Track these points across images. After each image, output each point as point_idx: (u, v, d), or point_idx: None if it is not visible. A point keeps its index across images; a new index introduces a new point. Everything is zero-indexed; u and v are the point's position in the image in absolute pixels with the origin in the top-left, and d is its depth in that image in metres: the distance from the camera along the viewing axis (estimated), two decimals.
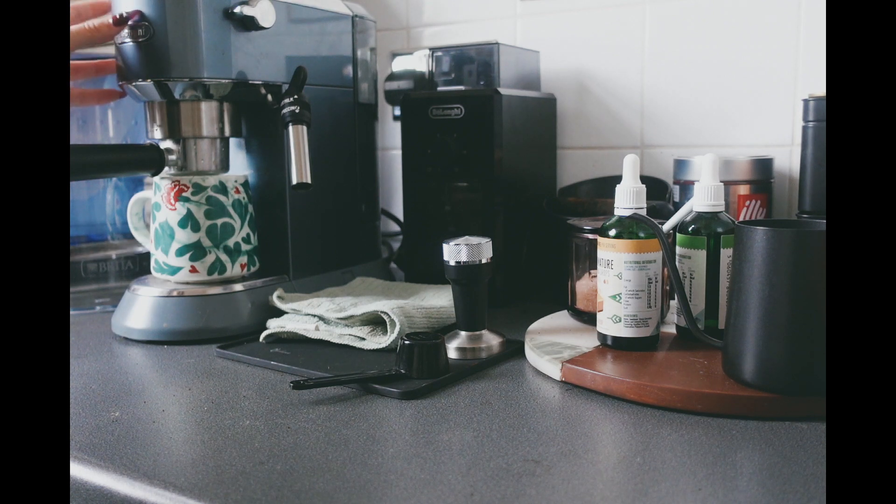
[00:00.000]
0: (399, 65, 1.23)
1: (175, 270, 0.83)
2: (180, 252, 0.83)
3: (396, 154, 1.24)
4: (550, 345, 0.70)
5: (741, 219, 0.87)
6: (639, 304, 0.66)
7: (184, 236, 0.83)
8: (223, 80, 0.80)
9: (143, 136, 0.85)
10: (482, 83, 0.97)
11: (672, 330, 0.72)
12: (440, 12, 1.20)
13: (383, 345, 0.73)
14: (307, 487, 0.46)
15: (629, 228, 0.66)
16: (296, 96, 0.82)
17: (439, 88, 1.00)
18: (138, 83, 0.79)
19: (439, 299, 0.84)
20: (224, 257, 0.84)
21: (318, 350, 0.74)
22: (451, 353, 0.71)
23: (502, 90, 0.91)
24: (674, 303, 0.70)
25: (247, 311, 0.82)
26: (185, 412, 0.60)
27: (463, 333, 0.73)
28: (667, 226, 0.71)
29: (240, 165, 0.91)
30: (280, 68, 0.85)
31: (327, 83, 0.92)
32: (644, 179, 0.72)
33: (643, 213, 0.67)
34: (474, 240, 0.72)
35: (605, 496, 0.45)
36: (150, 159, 0.82)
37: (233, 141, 0.89)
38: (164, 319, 0.80)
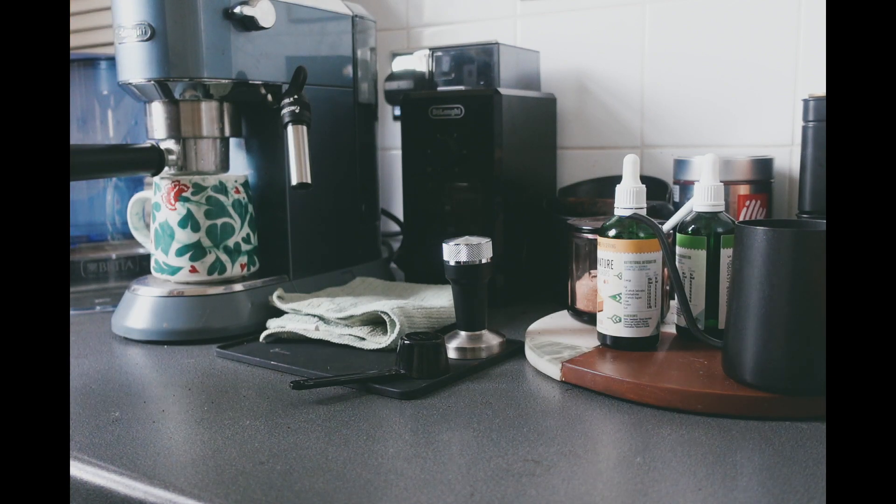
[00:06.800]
0: (399, 65, 1.23)
1: (175, 270, 0.83)
2: (180, 252, 0.83)
3: (396, 154, 1.24)
4: (550, 345, 0.70)
5: (741, 219, 0.87)
6: (639, 304, 0.66)
7: (184, 236, 0.83)
8: (223, 80, 0.80)
9: (143, 136, 0.85)
10: (482, 83, 0.97)
11: (672, 330, 0.72)
12: (440, 12, 1.20)
13: (383, 345, 0.73)
14: (307, 487, 0.46)
15: (629, 228, 0.66)
16: (296, 96, 0.82)
17: (439, 88, 0.99)
18: (138, 83, 0.79)
19: (439, 299, 0.84)
20: (224, 257, 0.84)
21: (318, 350, 0.74)
22: (451, 353, 0.71)
23: (502, 90, 0.91)
24: (674, 303, 0.70)
25: (247, 311, 0.82)
26: (185, 412, 0.60)
27: (463, 333, 0.73)
28: (667, 226, 0.71)
29: (240, 165, 0.91)
30: (280, 68, 0.85)
31: (327, 83, 0.92)
32: (644, 179, 0.72)
33: (643, 213, 0.67)
34: (474, 240, 0.72)
35: (605, 496, 0.45)
36: (150, 159, 0.82)
37: (233, 141, 0.89)
38: (164, 319, 0.80)
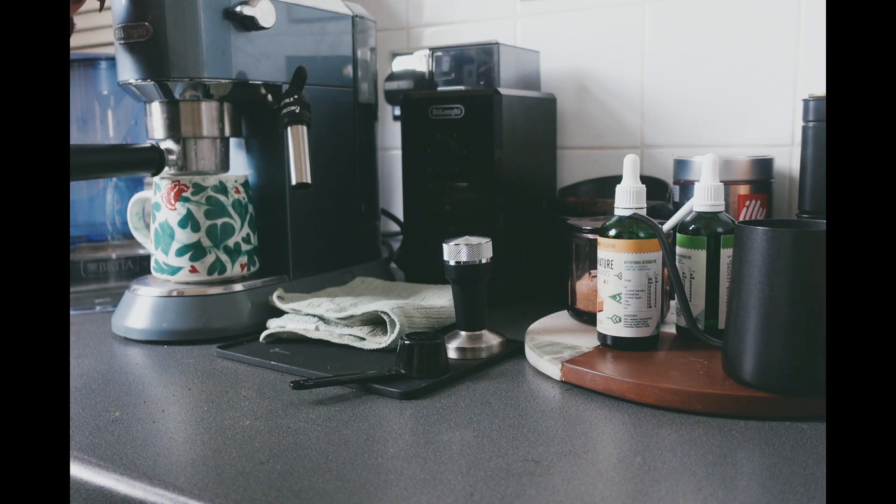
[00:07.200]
0: (399, 65, 1.23)
1: (175, 270, 0.83)
2: (180, 252, 0.83)
3: (396, 154, 1.24)
4: (550, 345, 0.70)
5: (741, 219, 0.87)
6: (639, 304, 0.66)
7: (184, 236, 0.83)
8: (223, 80, 0.80)
9: (143, 136, 0.85)
10: (482, 83, 0.97)
11: (672, 330, 0.72)
12: (440, 12, 1.20)
13: (383, 345, 0.73)
14: (307, 487, 0.46)
15: (629, 228, 0.66)
16: (296, 96, 0.82)
17: (439, 88, 0.99)
18: (138, 83, 0.79)
19: (439, 299, 0.84)
20: (224, 257, 0.84)
21: (318, 350, 0.74)
22: (451, 353, 0.71)
23: (502, 90, 0.91)
24: (674, 303, 0.71)
25: (247, 311, 0.82)
26: (185, 412, 0.60)
27: (463, 333, 0.73)
28: (667, 226, 0.71)
29: (240, 165, 0.91)
30: (280, 68, 0.85)
31: (327, 83, 0.92)
32: (644, 179, 0.72)
33: (643, 213, 0.67)
34: (474, 240, 0.72)
35: (605, 496, 0.45)
36: (150, 159, 0.82)
37: (233, 141, 0.89)
38: (164, 319, 0.80)
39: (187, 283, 0.83)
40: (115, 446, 0.53)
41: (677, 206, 0.86)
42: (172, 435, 0.56)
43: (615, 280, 0.66)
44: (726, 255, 0.67)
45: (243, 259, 0.86)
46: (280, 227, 0.89)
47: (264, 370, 0.71)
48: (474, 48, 0.98)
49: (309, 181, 0.79)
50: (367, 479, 0.47)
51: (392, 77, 1.21)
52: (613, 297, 0.67)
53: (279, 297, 0.83)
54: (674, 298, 0.70)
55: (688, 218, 0.69)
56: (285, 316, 0.81)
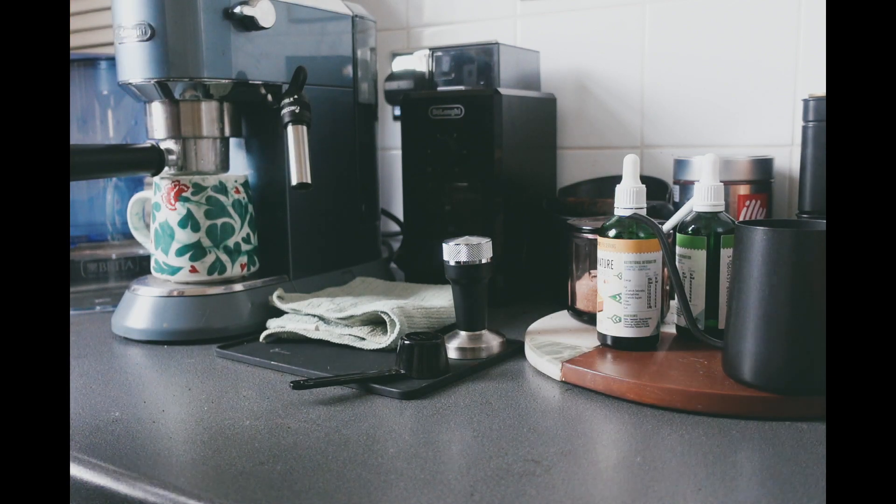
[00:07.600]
0: (399, 65, 1.23)
1: (175, 270, 0.83)
2: (180, 252, 0.83)
3: (396, 154, 1.24)
4: (550, 345, 0.70)
5: (741, 219, 0.87)
6: (639, 304, 0.66)
7: (184, 236, 0.83)
8: (223, 80, 0.80)
9: (143, 136, 0.85)
10: (482, 83, 0.97)
11: (672, 330, 0.72)
12: (440, 12, 1.20)
13: (383, 345, 0.73)
14: (307, 487, 0.46)
15: (629, 228, 0.66)
16: (296, 96, 0.82)
17: (439, 88, 0.99)
18: (138, 83, 0.79)
19: (439, 299, 0.84)
20: (224, 257, 0.84)
21: (318, 350, 0.74)
22: (451, 353, 0.71)
23: (502, 90, 0.91)
24: (674, 303, 0.70)
25: (247, 311, 0.82)
26: (185, 412, 0.60)
27: (463, 333, 0.73)
28: (667, 226, 0.71)
29: (240, 165, 0.91)
30: (280, 68, 0.85)
31: (327, 83, 0.92)
32: (644, 179, 0.72)
33: (643, 213, 0.67)
34: (474, 240, 0.72)
35: (605, 496, 0.45)
36: (150, 159, 0.82)
37: (233, 141, 0.89)
38: (164, 319, 0.80)
39: (187, 283, 0.83)
40: (115, 446, 0.53)
41: (677, 206, 0.86)
42: (172, 435, 0.56)
43: (615, 280, 0.66)
44: (726, 255, 0.67)
45: (243, 259, 0.86)
46: (280, 227, 0.89)
47: (264, 370, 0.71)
48: (474, 48, 0.98)
49: (309, 181, 0.79)
50: (367, 479, 0.47)
51: (392, 77, 1.21)
52: (613, 297, 0.67)
53: (279, 297, 0.83)
54: (674, 298, 0.70)
55: (688, 218, 0.69)
56: (285, 316, 0.81)
